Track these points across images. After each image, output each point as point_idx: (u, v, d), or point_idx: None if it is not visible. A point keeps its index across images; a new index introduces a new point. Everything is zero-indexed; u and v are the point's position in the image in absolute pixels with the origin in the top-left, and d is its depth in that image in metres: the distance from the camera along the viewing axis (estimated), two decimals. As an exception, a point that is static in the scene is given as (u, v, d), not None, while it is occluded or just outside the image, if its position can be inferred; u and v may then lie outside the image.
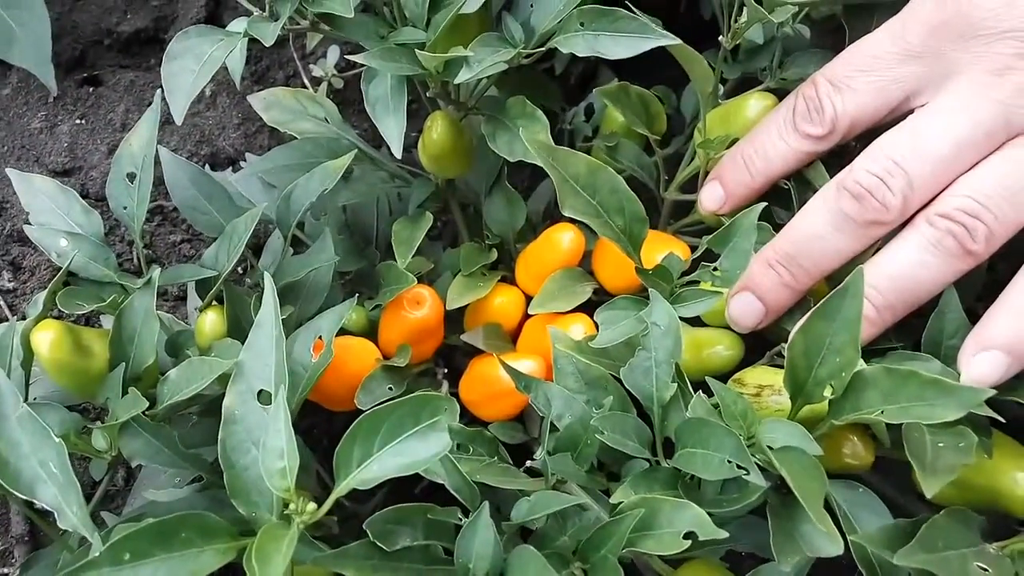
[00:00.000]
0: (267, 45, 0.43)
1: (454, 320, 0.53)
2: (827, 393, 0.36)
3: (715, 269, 0.43)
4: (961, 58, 0.40)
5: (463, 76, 0.44)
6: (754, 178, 0.46)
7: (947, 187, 0.40)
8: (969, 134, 0.40)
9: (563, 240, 0.51)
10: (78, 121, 0.66)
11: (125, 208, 0.46)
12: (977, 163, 0.40)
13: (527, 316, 0.52)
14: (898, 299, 0.40)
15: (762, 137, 0.45)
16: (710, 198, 0.48)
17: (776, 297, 0.43)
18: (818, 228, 0.42)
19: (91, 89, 0.68)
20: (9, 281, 0.61)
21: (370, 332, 0.52)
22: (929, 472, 0.35)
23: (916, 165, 0.40)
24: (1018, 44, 0.39)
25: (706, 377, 0.38)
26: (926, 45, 0.41)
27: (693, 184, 0.53)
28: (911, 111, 0.42)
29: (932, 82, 0.41)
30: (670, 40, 0.43)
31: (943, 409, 0.34)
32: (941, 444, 0.36)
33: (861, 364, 0.36)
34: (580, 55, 0.44)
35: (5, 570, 0.55)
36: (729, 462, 0.34)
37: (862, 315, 0.36)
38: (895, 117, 0.42)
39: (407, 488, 0.52)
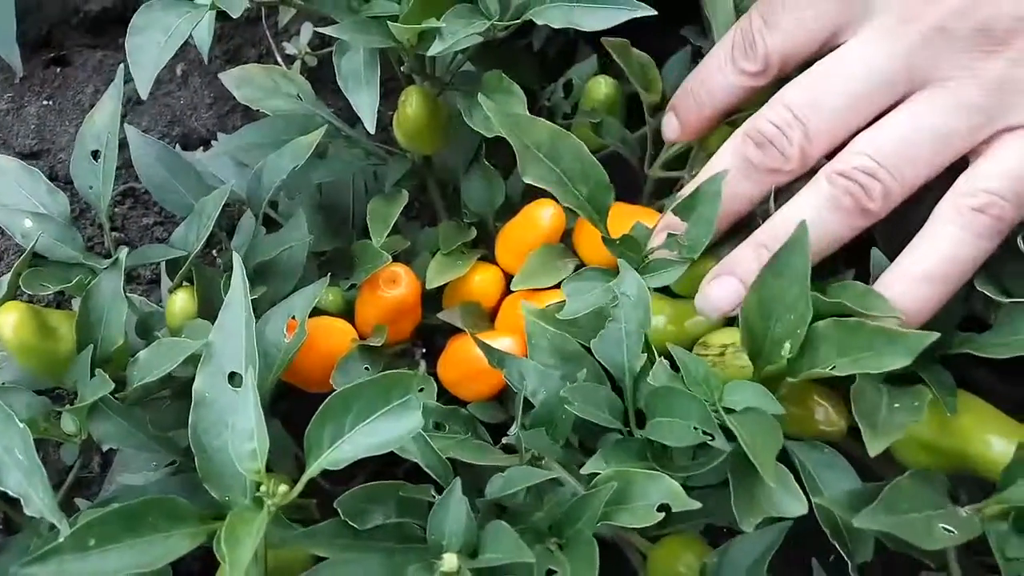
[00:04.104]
0: (234, 17, 0.42)
1: (433, 299, 0.53)
2: (785, 352, 0.36)
3: (680, 237, 0.43)
4: None
5: (436, 48, 0.43)
6: (701, 110, 0.46)
7: (850, 139, 0.40)
8: (867, 87, 0.40)
9: (543, 217, 0.50)
10: (45, 102, 0.65)
11: (91, 188, 0.45)
12: (880, 115, 0.40)
13: (506, 295, 0.51)
14: None
15: (707, 70, 0.46)
16: (668, 127, 0.49)
17: None
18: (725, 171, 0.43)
19: (58, 70, 0.66)
20: (-23, 266, 0.60)
21: (347, 312, 0.51)
22: (879, 432, 0.34)
23: (813, 117, 0.40)
24: None
25: (667, 344, 0.38)
26: None
27: (677, 161, 0.52)
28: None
29: (851, 21, 0.41)
30: (646, 11, 0.42)
31: (891, 357, 0.34)
32: (897, 405, 0.36)
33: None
34: (555, 27, 0.43)
35: (-19, 559, 0.55)
36: (696, 428, 0.34)
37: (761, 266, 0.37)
38: (827, 51, 0.42)
39: (390, 469, 0.51)
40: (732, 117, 0.47)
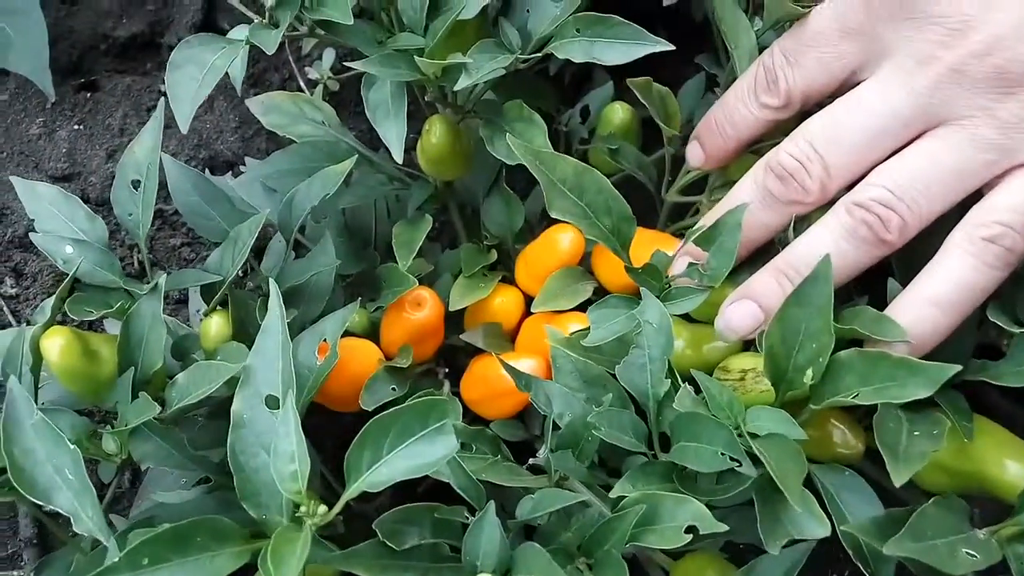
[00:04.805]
0: (269, 53, 0.43)
1: (454, 320, 0.54)
2: (807, 379, 0.38)
3: (701, 266, 0.44)
4: (892, 39, 0.41)
5: (463, 83, 0.44)
6: (726, 141, 0.48)
7: (867, 173, 0.42)
8: (885, 124, 0.41)
9: (563, 240, 0.51)
10: (76, 127, 0.66)
11: (130, 215, 0.47)
12: (897, 151, 0.41)
13: (526, 316, 0.53)
14: None
15: (730, 103, 0.47)
16: (693, 156, 0.51)
17: None
18: (746, 203, 0.44)
19: (88, 95, 0.68)
20: (12, 287, 0.61)
21: (372, 333, 0.52)
22: (901, 461, 0.36)
23: (833, 152, 0.42)
24: (944, 32, 0.39)
25: (691, 370, 0.39)
26: (861, 23, 0.42)
27: (694, 187, 0.54)
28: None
29: (870, 60, 0.42)
30: (665, 46, 0.44)
31: (914, 387, 0.36)
32: (917, 432, 0.37)
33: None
34: (576, 61, 0.44)
35: (14, 573, 0.56)
36: (722, 454, 0.35)
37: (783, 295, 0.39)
38: (847, 88, 0.43)
39: (412, 486, 0.53)
40: (755, 147, 0.49)
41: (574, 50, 0.45)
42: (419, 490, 0.52)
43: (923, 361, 0.36)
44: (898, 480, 0.35)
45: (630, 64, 0.47)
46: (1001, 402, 0.49)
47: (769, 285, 0.42)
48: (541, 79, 0.64)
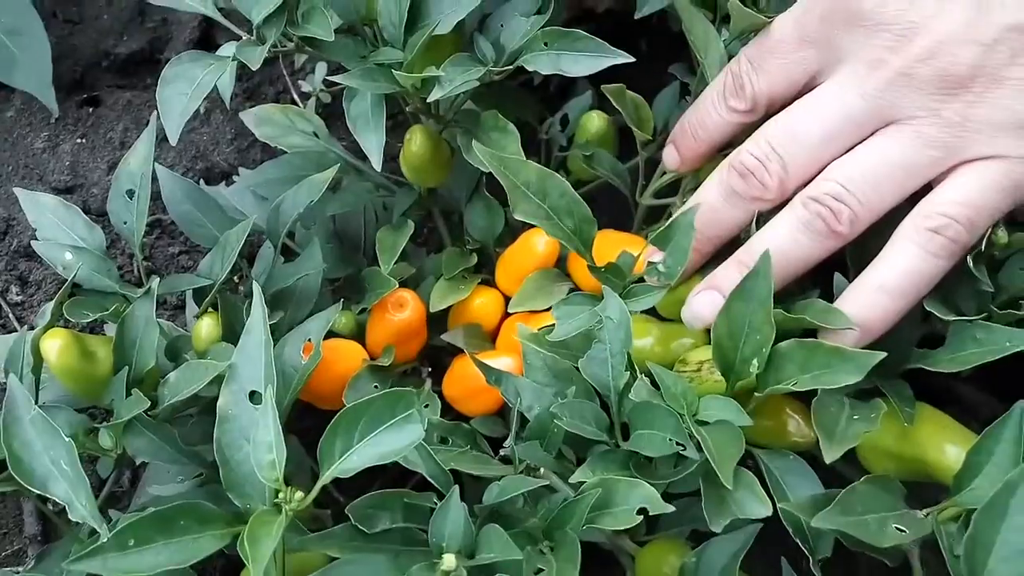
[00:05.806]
0: (254, 69, 0.46)
1: (440, 322, 0.56)
2: (753, 369, 0.40)
3: (659, 265, 0.46)
4: (846, 46, 0.43)
5: (436, 94, 0.47)
6: (698, 144, 0.50)
7: (822, 170, 0.44)
8: (839, 125, 0.43)
9: (538, 244, 0.54)
10: (79, 140, 0.69)
11: (125, 223, 0.50)
12: (851, 149, 0.44)
13: (506, 316, 0.55)
14: (774, 273, 0.43)
15: (702, 108, 0.50)
16: (669, 159, 0.53)
17: None
18: (712, 200, 0.47)
19: (91, 109, 0.71)
20: (17, 294, 0.64)
21: (359, 335, 0.55)
22: (836, 441, 0.38)
23: (791, 151, 0.44)
24: (892, 38, 0.42)
25: (647, 363, 0.41)
26: (818, 31, 0.44)
27: (667, 190, 0.56)
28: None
29: (827, 65, 0.45)
30: (626, 58, 0.46)
31: (845, 374, 0.38)
32: (856, 417, 0.39)
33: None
34: (544, 73, 0.47)
35: (19, 568, 0.59)
36: (670, 440, 0.37)
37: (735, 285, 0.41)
38: (808, 91, 0.46)
39: (399, 485, 0.54)
40: (725, 150, 0.51)
41: (542, 62, 0.47)
42: (406, 487, 0.54)
43: (854, 349, 0.38)
44: (829, 457, 0.37)
45: (614, 75, 0.50)
46: (969, 392, 0.50)
47: (731, 276, 0.45)
48: (524, 90, 0.66)
